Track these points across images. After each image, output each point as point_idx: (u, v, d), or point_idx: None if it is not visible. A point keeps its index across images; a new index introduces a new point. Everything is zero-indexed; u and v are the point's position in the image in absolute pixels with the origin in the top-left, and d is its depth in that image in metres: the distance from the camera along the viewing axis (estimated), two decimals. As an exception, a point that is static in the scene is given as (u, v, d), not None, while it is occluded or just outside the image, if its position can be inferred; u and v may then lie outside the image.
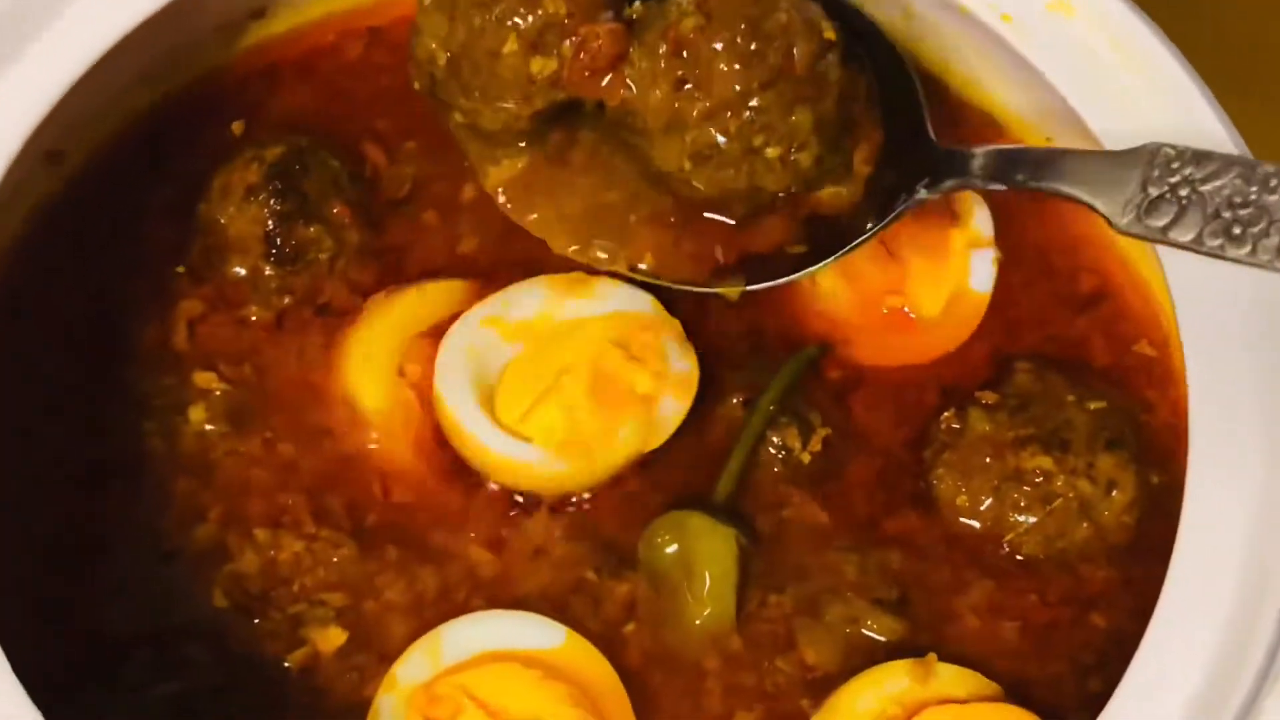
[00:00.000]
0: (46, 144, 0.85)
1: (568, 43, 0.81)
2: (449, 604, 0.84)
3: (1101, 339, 0.92)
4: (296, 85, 0.95)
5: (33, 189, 0.87)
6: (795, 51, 0.80)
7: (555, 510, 0.86)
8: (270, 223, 0.89)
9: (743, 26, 0.79)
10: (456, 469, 0.87)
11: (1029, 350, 0.91)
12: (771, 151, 0.81)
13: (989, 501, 0.86)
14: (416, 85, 0.86)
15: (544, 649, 0.82)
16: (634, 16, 0.82)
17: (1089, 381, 0.89)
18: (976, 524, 0.87)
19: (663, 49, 0.80)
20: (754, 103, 0.80)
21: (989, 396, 0.88)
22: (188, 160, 0.92)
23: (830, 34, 0.82)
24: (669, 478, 0.88)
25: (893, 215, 0.85)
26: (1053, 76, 0.88)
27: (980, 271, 0.92)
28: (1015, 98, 0.93)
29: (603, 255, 0.86)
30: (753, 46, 0.79)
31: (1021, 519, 0.86)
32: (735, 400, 0.88)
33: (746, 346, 0.91)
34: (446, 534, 0.86)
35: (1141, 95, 0.87)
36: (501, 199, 0.86)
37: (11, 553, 0.76)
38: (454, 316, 0.89)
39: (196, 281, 0.90)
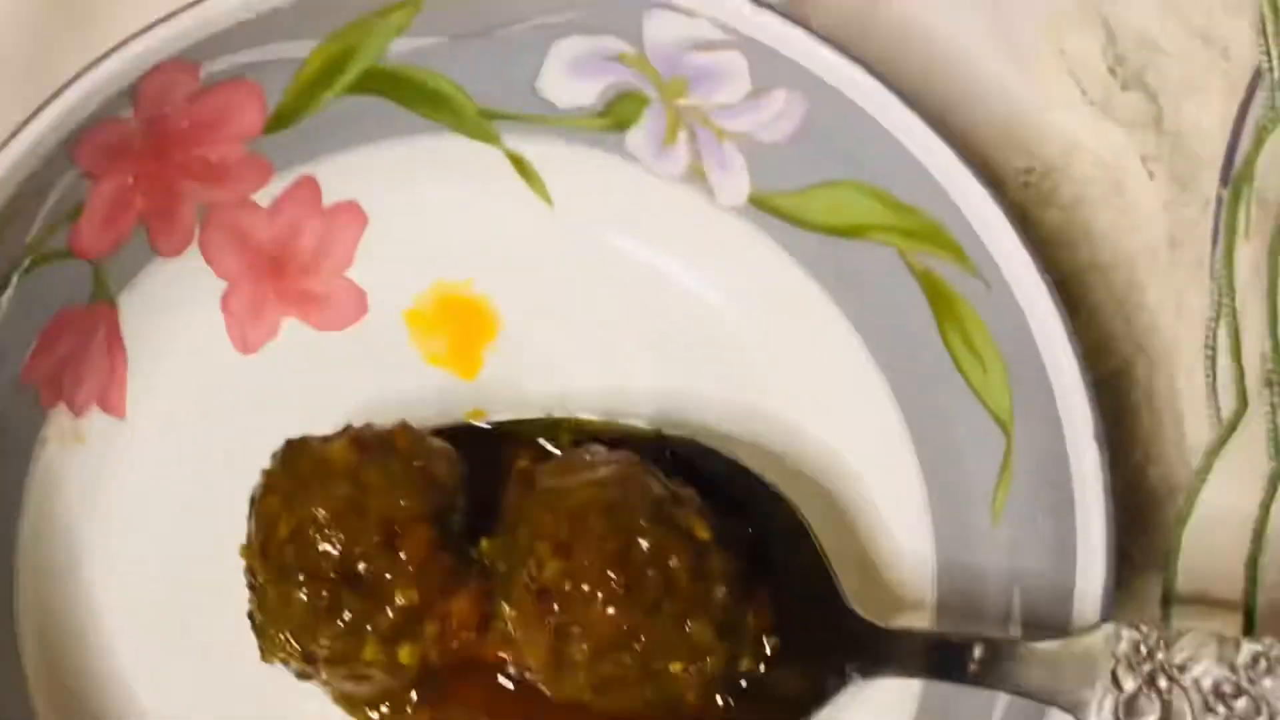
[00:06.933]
0: None
1: (430, 626, 0.79)
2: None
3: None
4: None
5: None
6: (672, 566, 0.77)
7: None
8: None
9: (608, 571, 0.76)
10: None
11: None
12: (676, 667, 0.78)
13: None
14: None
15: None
16: (487, 562, 0.81)
17: None
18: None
19: (528, 603, 0.78)
20: (643, 637, 0.77)
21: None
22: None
23: (703, 533, 0.78)
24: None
25: (822, 704, 0.80)
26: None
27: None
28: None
29: None
30: (623, 582, 0.76)
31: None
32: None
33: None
34: None
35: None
36: None
37: None
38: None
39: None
